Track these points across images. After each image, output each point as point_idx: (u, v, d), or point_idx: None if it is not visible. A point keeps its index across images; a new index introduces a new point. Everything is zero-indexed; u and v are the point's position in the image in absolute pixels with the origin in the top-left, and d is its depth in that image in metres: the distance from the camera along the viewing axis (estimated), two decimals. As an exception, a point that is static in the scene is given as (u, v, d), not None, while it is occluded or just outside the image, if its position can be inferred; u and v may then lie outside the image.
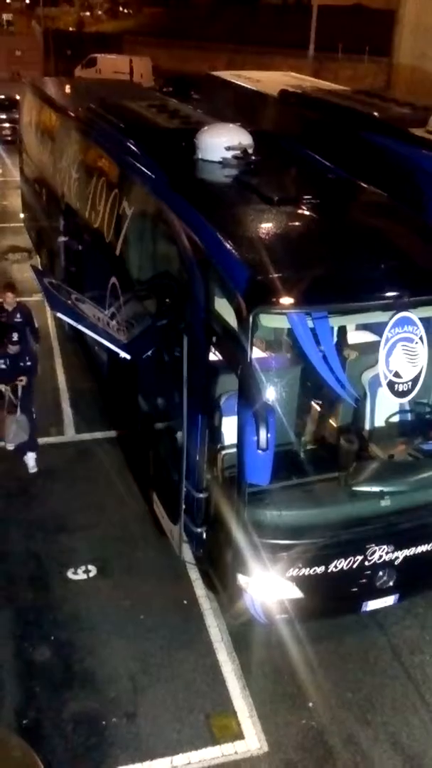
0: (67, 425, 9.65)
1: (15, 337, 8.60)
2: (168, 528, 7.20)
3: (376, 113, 10.76)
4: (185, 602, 7.00)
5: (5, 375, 8.51)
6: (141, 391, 8.20)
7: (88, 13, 64.22)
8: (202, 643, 6.60)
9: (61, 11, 61.88)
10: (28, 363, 8.67)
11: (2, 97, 26.84)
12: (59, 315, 8.16)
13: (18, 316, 9.24)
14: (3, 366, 8.48)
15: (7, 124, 25.54)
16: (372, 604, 6.40)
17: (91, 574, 7.23)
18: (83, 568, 7.29)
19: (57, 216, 11.76)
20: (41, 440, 8.87)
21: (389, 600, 6.45)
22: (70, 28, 57.26)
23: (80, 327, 7.52)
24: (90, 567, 7.29)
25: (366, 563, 6.10)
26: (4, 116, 25.96)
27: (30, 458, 8.74)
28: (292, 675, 6.31)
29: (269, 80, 14.00)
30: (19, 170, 17.08)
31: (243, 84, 14.00)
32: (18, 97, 20.74)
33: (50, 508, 8.09)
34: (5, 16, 68.34)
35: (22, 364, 8.59)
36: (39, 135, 13.85)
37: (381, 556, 6.12)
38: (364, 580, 6.19)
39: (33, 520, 7.90)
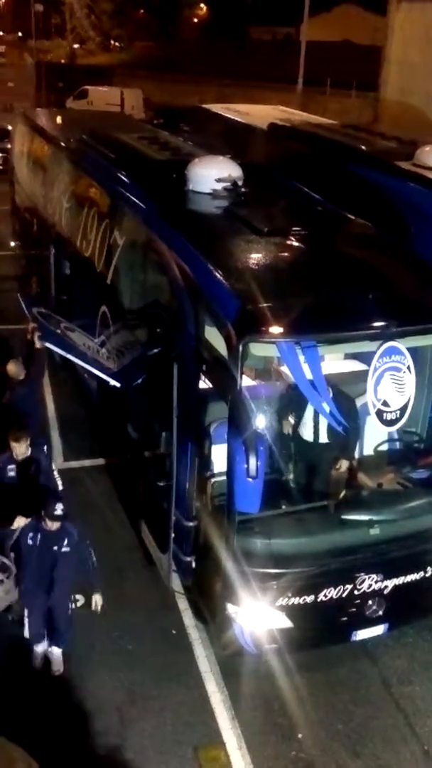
0: (55, 453, 9.61)
1: (58, 509, 6.00)
2: (157, 557, 7.17)
3: (363, 147, 10.96)
4: (174, 632, 6.95)
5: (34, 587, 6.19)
6: (131, 419, 8.21)
7: (79, 46, 65.08)
8: (191, 674, 6.54)
9: (53, 44, 62.65)
10: (65, 547, 6.12)
11: (-5, 127, 27.03)
12: (49, 345, 8.09)
13: (32, 467, 7.00)
14: (30, 542, 6.09)
15: (-1, 154, 25.70)
16: (361, 634, 6.39)
17: (79, 604, 7.15)
18: (71, 597, 7.21)
19: (48, 245, 11.84)
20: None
21: (379, 629, 6.43)
22: (62, 61, 57.91)
23: (70, 357, 7.54)
24: (78, 596, 7.22)
25: (355, 592, 6.10)
26: (-4, 146, 26.11)
27: (55, 656, 6.54)
28: (282, 706, 6.25)
29: (259, 113, 14.22)
30: (10, 200, 17.21)
31: (233, 117, 14.22)
32: (10, 128, 20.95)
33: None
34: (-3, 49, 69.36)
35: (56, 548, 6.11)
36: (31, 165, 14.01)
37: (370, 585, 6.12)
38: (353, 610, 6.18)
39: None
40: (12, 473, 6.89)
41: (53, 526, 6.00)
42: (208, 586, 6.36)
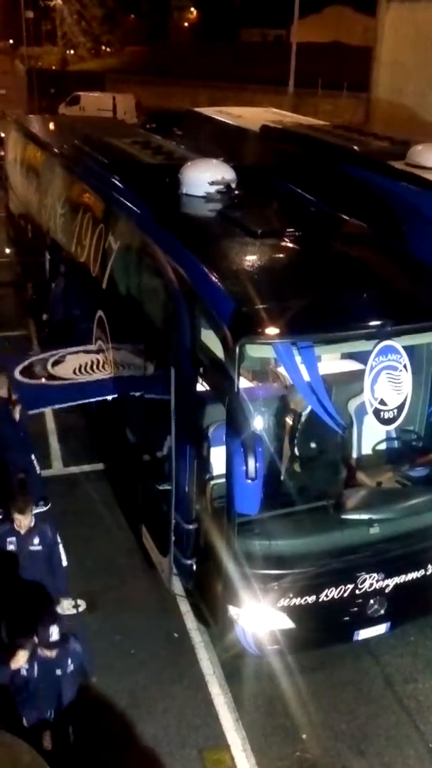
0: (54, 458, 9.62)
1: (54, 633, 5.12)
2: (157, 560, 7.18)
3: (355, 147, 10.99)
4: (176, 635, 6.95)
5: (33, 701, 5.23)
6: (129, 423, 8.22)
7: (71, 52, 65.16)
8: (194, 677, 6.54)
9: (45, 50, 62.78)
10: (70, 667, 5.27)
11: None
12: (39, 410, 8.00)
13: (37, 541, 6.22)
14: (25, 673, 5.14)
15: (-8, 161, 25.73)
16: (363, 633, 6.39)
17: (81, 609, 7.16)
18: (72, 602, 7.22)
19: (43, 251, 11.85)
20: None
21: (381, 628, 6.44)
22: (54, 67, 58.05)
23: (65, 405, 7.69)
24: (79, 601, 7.22)
25: (357, 592, 6.11)
26: (-11, 153, 26.15)
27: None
28: (285, 706, 6.26)
29: (250, 116, 14.25)
30: (4, 207, 17.22)
31: (225, 120, 14.25)
32: (3, 135, 20.99)
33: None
34: (-12, 56, 69.35)
35: (59, 672, 5.23)
36: (24, 171, 14.02)
37: (371, 585, 6.12)
38: (355, 609, 6.19)
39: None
40: (12, 546, 6.14)
41: (51, 653, 5.12)
42: (209, 588, 6.36)
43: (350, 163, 10.08)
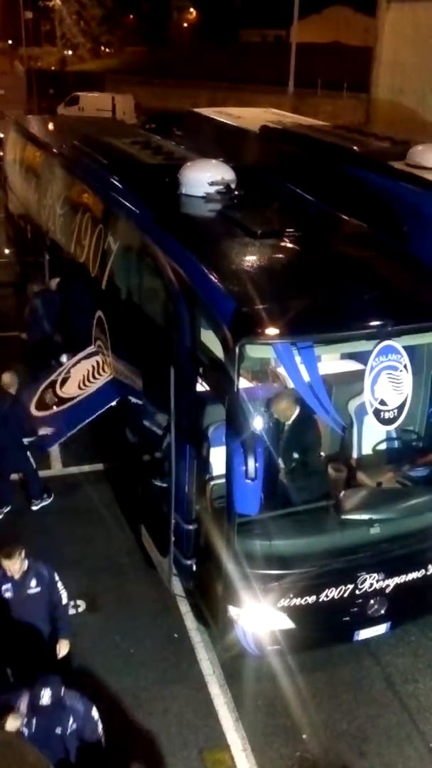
0: (54, 459, 9.62)
1: (44, 696, 4.80)
2: (157, 561, 7.18)
3: (356, 147, 10.98)
4: (176, 636, 6.95)
5: None
6: (129, 424, 8.22)
7: (70, 53, 65.17)
8: (194, 677, 6.54)
9: (44, 51, 62.86)
10: (72, 726, 4.99)
11: (-14, 135, 27.08)
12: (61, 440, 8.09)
13: (34, 583, 5.88)
14: (24, 730, 4.84)
15: (-9, 162, 25.74)
16: (364, 633, 6.39)
17: (80, 609, 7.17)
18: (72, 602, 7.20)
19: (42, 251, 11.85)
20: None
21: (381, 628, 6.44)
22: (53, 68, 58.09)
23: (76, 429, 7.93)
24: (79, 602, 7.23)
25: (357, 592, 6.11)
26: (-12, 154, 26.16)
27: None
28: (286, 706, 6.26)
29: (250, 116, 14.25)
30: (4, 207, 17.22)
31: (224, 120, 14.24)
32: (2, 135, 20.98)
33: (38, 543, 8.02)
34: (-13, 57, 69.49)
35: (59, 731, 4.96)
36: (24, 172, 14.01)
37: (372, 585, 6.12)
38: (355, 609, 6.19)
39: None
40: (8, 594, 5.81)
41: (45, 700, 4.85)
42: (209, 588, 6.36)
43: (350, 163, 10.07)
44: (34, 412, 8.55)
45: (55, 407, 8.58)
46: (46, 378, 9.05)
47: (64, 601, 5.99)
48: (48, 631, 5.94)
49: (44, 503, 8.66)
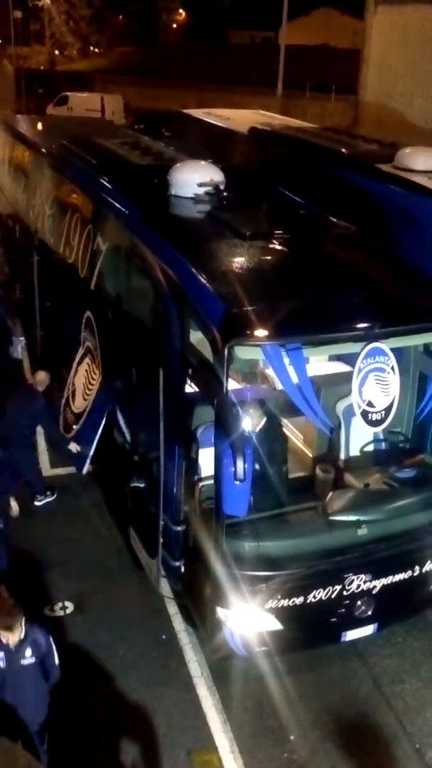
0: (42, 460, 9.58)
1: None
2: (146, 562, 7.17)
3: (344, 150, 11.02)
4: (164, 637, 6.95)
5: None
6: (117, 425, 8.20)
7: (59, 53, 64.94)
8: (182, 678, 6.54)
9: (33, 50, 62.42)
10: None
11: (-26, 134, 26.96)
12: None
13: (29, 653, 5.30)
14: None
15: (-21, 161, 25.64)
16: (351, 634, 6.42)
17: (68, 611, 7.16)
18: (60, 604, 7.21)
19: (31, 252, 11.81)
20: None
21: (368, 629, 6.47)
22: (42, 67, 57.85)
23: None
24: (67, 603, 7.22)
25: (344, 593, 6.13)
26: (-24, 153, 26.06)
27: None
28: (273, 708, 6.27)
29: (239, 118, 14.26)
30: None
31: (213, 122, 14.25)
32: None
33: (26, 544, 8.01)
34: (-24, 56, 69.11)
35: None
36: (12, 171, 13.97)
37: (359, 586, 6.15)
38: (342, 610, 6.21)
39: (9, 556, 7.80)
40: (1, 663, 5.28)
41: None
42: (197, 590, 6.36)
43: (339, 165, 10.10)
44: (65, 434, 8.77)
45: (74, 426, 8.75)
46: (61, 398, 9.13)
47: (56, 661, 5.46)
48: (38, 701, 5.46)
49: (47, 500, 8.75)
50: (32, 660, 5.27)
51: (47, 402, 8.61)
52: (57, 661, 5.44)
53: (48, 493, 8.81)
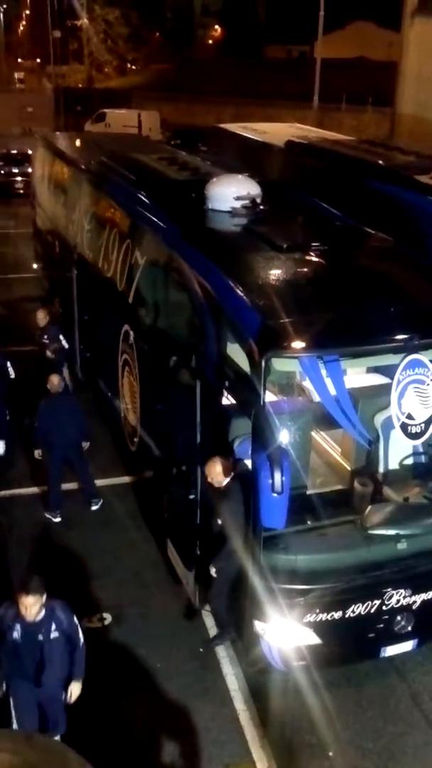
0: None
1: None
2: (183, 574, 7.17)
3: (381, 162, 11.00)
4: (201, 650, 6.92)
5: None
6: (155, 436, 8.25)
7: (96, 70, 65.98)
8: (219, 692, 6.51)
9: (71, 69, 63.58)
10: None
11: (15, 151, 27.53)
12: None
13: (53, 627, 5.40)
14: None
15: (19, 178, 26.16)
16: (390, 650, 6.33)
17: (106, 622, 7.18)
18: (98, 616, 7.24)
19: (70, 266, 11.98)
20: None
21: (408, 645, 6.38)
22: (80, 85, 58.88)
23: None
24: (105, 615, 7.25)
25: (384, 608, 6.05)
26: (16, 170, 26.60)
27: None
28: (311, 723, 6.19)
29: (275, 131, 14.33)
30: (32, 222, 17.44)
31: (250, 136, 14.34)
32: (30, 152, 21.29)
33: (65, 556, 8.07)
34: (17, 75, 70.61)
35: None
36: (51, 188, 14.21)
37: (398, 601, 6.07)
38: (381, 625, 6.13)
39: (47, 567, 7.86)
40: (16, 635, 5.29)
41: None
42: (234, 602, 6.34)
43: (376, 177, 10.08)
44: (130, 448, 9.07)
45: (135, 439, 9.01)
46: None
47: (82, 642, 5.55)
48: (62, 675, 5.55)
49: (94, 508, 8.90)
50: (56, 634, 5.43)
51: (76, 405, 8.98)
52: (82, 639, 5.56)
53: (94, 500, 8.91)
